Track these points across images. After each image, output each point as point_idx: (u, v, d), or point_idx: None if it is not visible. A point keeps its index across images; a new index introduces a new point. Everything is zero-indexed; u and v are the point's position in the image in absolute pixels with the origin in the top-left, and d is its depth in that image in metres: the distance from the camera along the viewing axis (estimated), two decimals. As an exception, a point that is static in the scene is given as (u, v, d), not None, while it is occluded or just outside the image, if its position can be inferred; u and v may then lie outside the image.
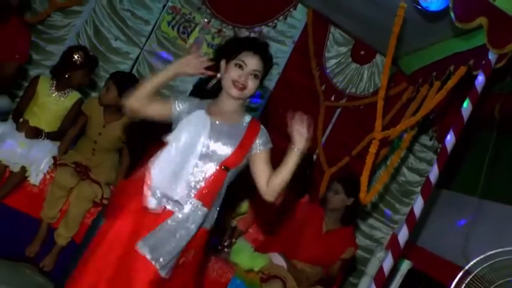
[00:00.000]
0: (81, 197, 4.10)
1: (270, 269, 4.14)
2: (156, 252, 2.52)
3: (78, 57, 4.49)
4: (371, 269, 4.77)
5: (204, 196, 2.60)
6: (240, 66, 2.66)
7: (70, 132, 4.46)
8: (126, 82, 4.34)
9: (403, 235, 3.89)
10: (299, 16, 6.11)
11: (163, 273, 2.54)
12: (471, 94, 3.94)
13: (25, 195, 4.10)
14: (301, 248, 4.26)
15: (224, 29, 6.03)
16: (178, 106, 2.68)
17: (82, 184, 4.15)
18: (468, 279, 3.57)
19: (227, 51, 2.74)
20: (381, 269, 3.94)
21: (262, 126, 2.76)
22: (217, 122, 2.67)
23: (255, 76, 2.69)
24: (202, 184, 2.60)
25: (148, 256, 2.51)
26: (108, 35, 5.90)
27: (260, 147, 2.68)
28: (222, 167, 2.63)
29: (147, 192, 2.57)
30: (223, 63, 2.72)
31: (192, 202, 2.58)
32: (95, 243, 2.61)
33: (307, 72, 6.12)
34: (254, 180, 2.69)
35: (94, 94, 5.78)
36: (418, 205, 3.92)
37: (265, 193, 2.66)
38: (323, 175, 5.96)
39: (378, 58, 6.17)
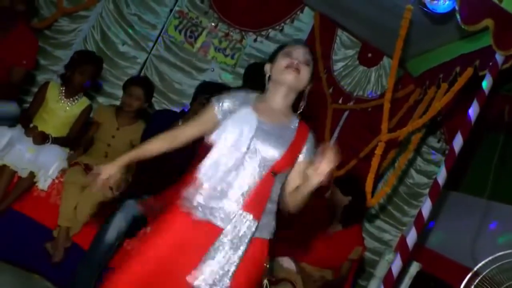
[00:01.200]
0: (90, 194, 4.10)
1: (279, 273, 4.14)
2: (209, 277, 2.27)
3: (76, 55, 4.57)
4: (380, 271, 4.75)
5: (253, 206, 2.34)
6: (289, 54, 2.50)
7: (85, 139, 4.51)
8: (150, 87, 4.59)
9: (411, 237, 3.89)
10: (306, 19, 6.12)
11: None
12: (478, 96, 3.94)
13: (33, 200, 4.11)
14: (309, 251, 4.27)
15: (231, 33, 6.05)
16: (222, 107, 2.49)
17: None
18: (477, 280, 3.56)
19: (270, 56, 2.60)
20: (390, 271, 3.94)
21: (311, 132, 2.57)
22: (265, 121, 2.43)
23: (306, 63, 2.52)
24: (250, 191, 2.34)
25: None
26: (115, 40, 5.94)
27: (303, 155, 2.49)
28: (271, 172, 2.39)
29: (194, 200, 2.36)
30: (268, 66, 2.57)
31: (242, 215, 2.32)
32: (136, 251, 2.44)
33: (314, 75, 6.08)
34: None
35: (100, 98, 5.84)
36: (426, 207, 3.92)
37: (287, 201, 2.47)
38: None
39: (385, 60, 6.16)
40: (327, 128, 6.14)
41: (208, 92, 4.16)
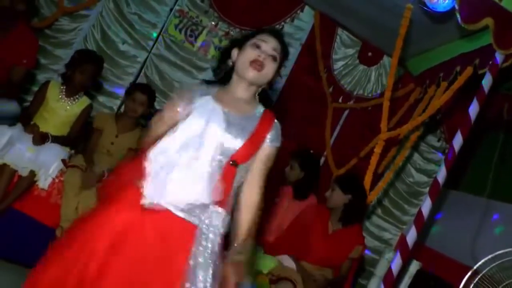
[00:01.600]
0: (91, 195, 4.13)
1: (279, 271, 4.13)
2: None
3: (76, 54, 4.57)
4: (380, 270, 4.76)
5: (222, 198, 2.26)
6: (258, 46, 2.39)
7: (89, 148, 4.50)
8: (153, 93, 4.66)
9: (411, 236, 3.90)
10: (306, 18, 6.13)
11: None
12: (478, 95, 3.95)
13: (33, 200, 4.12)
14: (309, 250, 4.24)
15: (232, 32, 6.04)
16: (182, 103, 2.31)
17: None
18: (477, 279, 3.57)
19: (240, 40, 2.48)
20: (389, 270, 3.95)
21: (276, 120, 2.43)
22: (226, 111, 2.34)
23: (273, 58, 2.41)
24: (217, 182, 2.23)
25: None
26: (116, 39, 5.94)
27: (267, 143, 2.37)
28: (230, 162, 2.28)
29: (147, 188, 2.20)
30: (235, 50, 2.46)
31: (214, 209, 2.26)
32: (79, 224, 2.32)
33: (314, 74, 6.14)
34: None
35: (101, 98, 5.86)
36: (426, 206, 3.93)
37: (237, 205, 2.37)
38: (331, 177, 5.96)
39: (386, 59, 6.18)
40: (327, 127, 6.16)
41: None
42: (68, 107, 4.40)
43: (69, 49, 5.79)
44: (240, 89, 2.44)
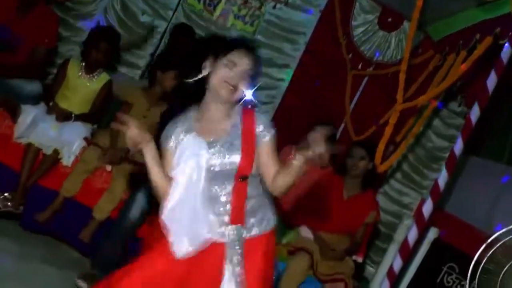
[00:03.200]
0: (122, 174, 4.21)
1: (297, 242, 4.23)
2: None
3: (92, 31, 4.66)
4: (399, 236, 4.86)
5: (239, 218, 2.41)
6: (231, 66, 2.38)
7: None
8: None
9: (427, 207, 3.95)
10: (324, -16, 6.09)
11: None
12: (496, 66, 3.92)
13: (58, 176, 4.21)
14: (325, 219, 4.30)
15: (250, 0, 6.04)
16: (171, 148, 2.44)
17: (124, 163, 4.25)
18: (495, 247, 3.58)
19: (214, 47, 2.44)
20: (406, 239, 4.02)
21: (256, 111, 2.50)
22: (211, 139, 2.40)
23: (247, 77, 2.41)
24: (229, 207, 2.40)
25: None
26: (136, 9, 5.95)
27: (260, 138, 2.44)
28: (240, 179, 2.39)
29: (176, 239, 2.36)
30: (208, 62, 2.42)
31: (232, 230, 2.41)
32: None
33: (334, 41, 6.12)
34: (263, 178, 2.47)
35: (122, 69, 5.89)
36: (442, 177, 3.96)
37: (271, 189, 2.44)
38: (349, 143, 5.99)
39: (406, 25, 6.09)
40: (347, 95, 6.16)
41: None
42: (88, 83, 4.46)
43: (90, 21, 5.82)
44: (216, 110, 2.45)
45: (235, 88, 2.38)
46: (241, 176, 2.40)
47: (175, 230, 2.35)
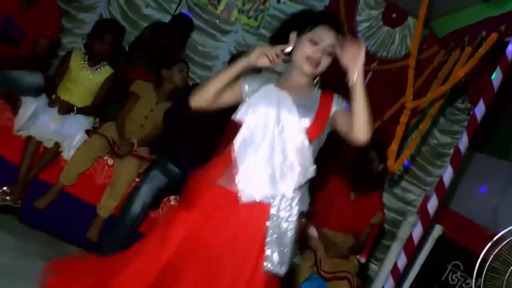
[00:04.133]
0: (126, 169, 4.15)
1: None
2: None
3: (97, 23, 4.62)
4: (403, 233, 4.81)
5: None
6: (316, 43, 2.43)
7: (123, 113, 4.46)
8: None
9: (432, 204, 3.92)
10: (331, -21, 6.05)
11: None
12: (501, 62, 3.89)
13: (58, 170, 4.14)
14: (331, 217, 4.29)
15: (254, -5, 6.02)
16: (248, 86, 2.50)
17: (127, 157, 4.19)
18: (501, 245, 3.57)
19: (299, 23, 2.52)
20: (410, 236, 3.99)
21: (334, 93, 2.56)
22: (290, 95, 2.46)
23: (329, 53, 2.45)
24: (287, 164, 2.40)
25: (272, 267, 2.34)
26: (139, 2, 5.93)
27: (335, 108, 2.48)
28: None
29: (236, 180, 2.37)
30: (293, 35, 2.49)
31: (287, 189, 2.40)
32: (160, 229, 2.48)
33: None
34: (344, 136, 2.44)
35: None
36: (447, 174, 3.93)
37: (355, 137, 2.34)
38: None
39: (410, 20, 6.08)
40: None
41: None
42: (91, 76, 4.41)
43: (93, 13, 5.85)
44: (298, 78, 2.52)
45: (318, 63, 2.45)
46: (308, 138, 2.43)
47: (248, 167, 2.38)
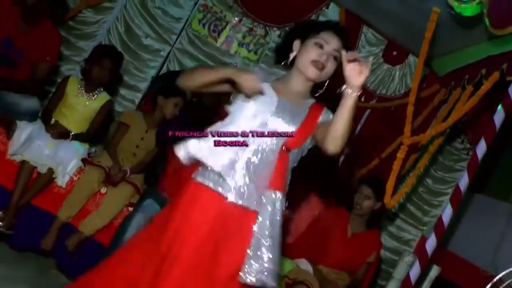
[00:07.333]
0: (118, 193, 4.12)
1: (296, 275, 4.10)
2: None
3: (96, 49, 4.59)
4: (399, 273, 4.71)
5: (278, 182, 2.39)
6: (321, 46, 2.45)
7: (113, 143, 4.44)
8: None
9: (431, 243, 3.86)
10: (331, 15, 5.99)
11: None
12: (504, 102, 3.87)
13: (52, 196, 4.11)
14: (327, 253, 4.22)
15: (255, 28, 6.01)
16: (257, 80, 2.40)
17: (120, 183, 4.16)
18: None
19: (303, 31, 2.55)
20: (408, 277, 3.92)
21: (325, 107, 2.54)
22: (282, 99, 2.45)
23: (335, 57, 2.46)
24: (271, 167, 2.38)
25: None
26: (139, 32, 5.91)
27: (321, 120, 2.46)
28: (283, 148, 2.41)
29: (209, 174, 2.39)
30: (297, 42, 2.53)
31: (271, 194, 2.37)
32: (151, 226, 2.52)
33: (338, 71, 6.04)
34: (318, 144, 2.43)
35: (123, 91, 5.88)
36: (447, 213, 3.88)
37: (327, 147, 2.29)
38: (351, 177, 5.90)
39: (411, 58, 6.06)
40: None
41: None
42: (87, 102, 4.36)
43: (92, 41, 5.79)
44: (298, 83, 2.54)
45: (322, 69, 2.46)
46: (286, 147, 2.42)
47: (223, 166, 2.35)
